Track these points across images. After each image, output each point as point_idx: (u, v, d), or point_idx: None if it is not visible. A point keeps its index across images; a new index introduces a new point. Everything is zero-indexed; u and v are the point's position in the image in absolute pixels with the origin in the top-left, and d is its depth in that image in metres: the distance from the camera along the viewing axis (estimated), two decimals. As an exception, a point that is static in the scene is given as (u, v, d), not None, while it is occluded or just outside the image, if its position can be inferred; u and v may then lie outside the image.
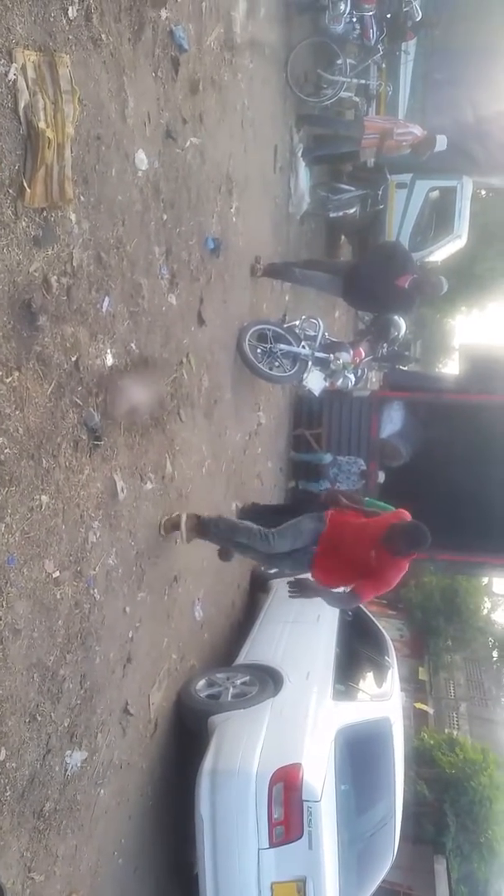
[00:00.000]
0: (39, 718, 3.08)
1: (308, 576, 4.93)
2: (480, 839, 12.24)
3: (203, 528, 4.73)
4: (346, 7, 8.05)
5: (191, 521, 4.65)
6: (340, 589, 4.88)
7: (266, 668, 5.20)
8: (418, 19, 9.21)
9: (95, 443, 3.46)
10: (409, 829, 11.09)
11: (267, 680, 4.99)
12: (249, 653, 5.58)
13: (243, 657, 5.53)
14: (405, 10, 9.05)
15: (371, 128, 8.17)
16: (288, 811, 4.03)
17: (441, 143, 8.15)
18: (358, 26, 8.57)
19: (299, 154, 8.32)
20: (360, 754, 4.77)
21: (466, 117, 10.31)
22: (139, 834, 4.15)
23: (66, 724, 3.31)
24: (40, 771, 3.10)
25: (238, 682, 5.02)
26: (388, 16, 9.03)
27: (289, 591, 4.80)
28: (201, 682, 4.97)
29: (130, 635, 4.03)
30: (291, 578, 5.19)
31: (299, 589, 4.84)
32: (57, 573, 3.16)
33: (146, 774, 4.29)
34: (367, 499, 5.17)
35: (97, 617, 3.58)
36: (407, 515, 4.67)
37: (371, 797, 4.99)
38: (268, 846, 4.03)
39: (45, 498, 3.04)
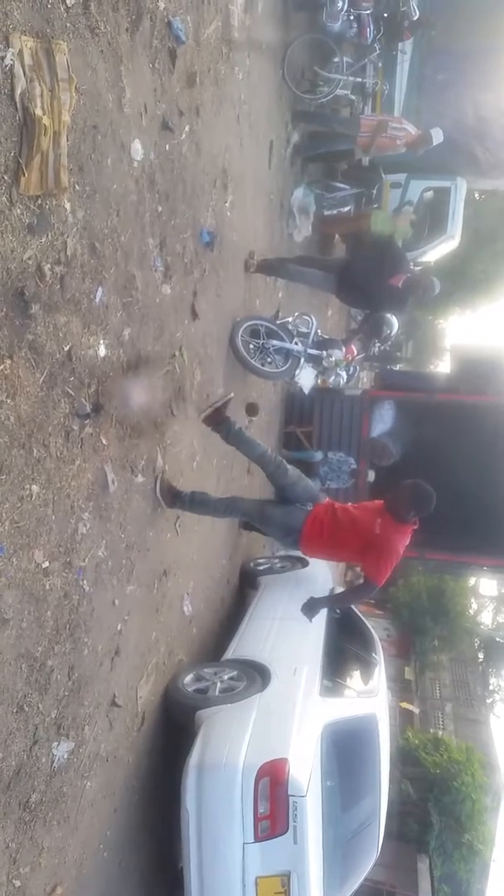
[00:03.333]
0: (27, 709, 3.06)
1: (298, 552, 4.97)
2: (463, 839, 12.33)
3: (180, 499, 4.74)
4: (344, 5, 8.05)
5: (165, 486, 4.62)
6: (332, 565, 4.94)
7: (254, 663, 5.19)
8: (415, 19, 9.22)
9: (87, 433, 3.45)
10: (394, 828, 11.17)
11: (255, 675, 4.99)
12: (238, 648, 5.57)
13: (231, 652, 5.52)
14: (402, 9, 9.05)
15: (367, 126, 8.18)
16: (274, 806, 4.03)
17: (437, 136, 8.16)
18: (355, 24, 8.58)
19: (300, 184, 8.42)
20: (346, 750, 4.77)
21: (464, 117, 10.34)
22: (125, 827, 4.15)
23: (53, 716, 3.30)
24: (27, 762, 3.09)
25: (226, 676, 5.01)
26: (386, 15, 9.03)
27: (303, 612, 4.89)
28: (189, 677, 4.96)
29: (119, 628, 4.02)
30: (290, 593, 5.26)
31: (310, 607, 4.99)
32: (46, 563, 3.14)
33: (133, 767, 4.28)
34: None
35: (86, 608, 3.56)
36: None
37: (356, 794, 5.00)
38: (253, 840, 4.02)
39: (35, 488, 3.02)
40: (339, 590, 6.76)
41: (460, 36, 10.51)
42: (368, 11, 8.53)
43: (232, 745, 4.21)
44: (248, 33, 6.02)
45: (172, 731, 4.72)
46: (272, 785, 4.04)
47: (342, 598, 5.03)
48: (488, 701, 22.78)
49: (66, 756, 3.42)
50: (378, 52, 9.24)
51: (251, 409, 5.43)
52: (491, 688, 23.82)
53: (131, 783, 4.26)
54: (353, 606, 6.95)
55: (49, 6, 2.84)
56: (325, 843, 4.25)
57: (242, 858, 4.02)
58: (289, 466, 5.04)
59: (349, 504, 5.01)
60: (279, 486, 5.00)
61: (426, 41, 10.31)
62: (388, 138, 8.13)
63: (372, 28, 8.77)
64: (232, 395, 5.08)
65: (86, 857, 3.68)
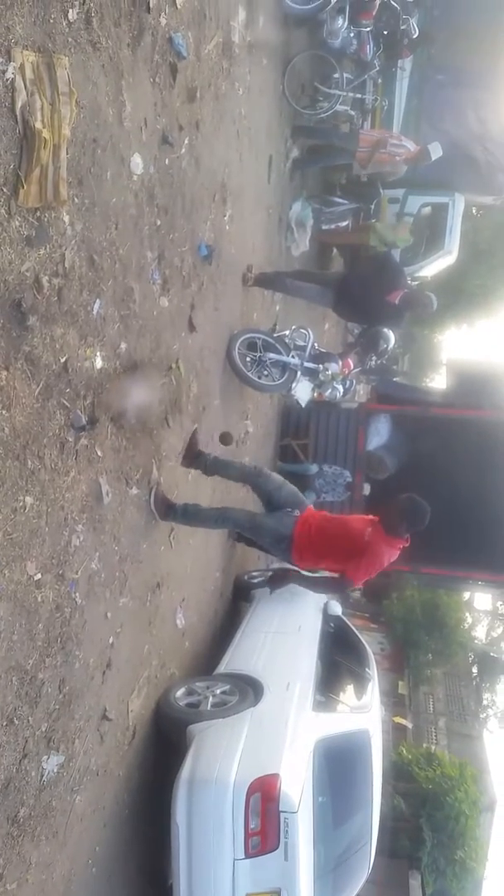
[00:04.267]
0: (17, 722, 3.04)
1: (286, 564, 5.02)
2: (455, 855, 12.21)
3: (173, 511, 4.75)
4: (344, 22, 8.12)
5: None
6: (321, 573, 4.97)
7: (247, 677, 5.17)
8: (415, 37, 9.31)
9: (82, 445, 3.44)
10: (386, 844, 11.07)
11: (247, 689, 4.96)
12: (230, 662, 5.55)
13: (224, 666, 5.50)
14: (402, 27, 9.15)
15: (366, 141, 8.24)
16: (264, 822, 4.00)
17: (435, 151, 8.24)
18: (355, 41, 8.65)
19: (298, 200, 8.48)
20: (338, 766, 4.75)
21: (463, 133, 10.42)
22: (114, 842, 4.11)
23: (43, 729, 3.28)
24: (16, 776, 3.07)
25: (218, 691, 4.98)
26: (385, 32, 9.13)
27: (268, 585, 4.90)
28: (181, 691, 4.94)
29: (111, 641, 3.99)
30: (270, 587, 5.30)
31: (277, 580, 5.01)
32: (39, 576, 3.13)
33: (123, 782, 4.24)
34: None
35: (78, 621, 3.55)
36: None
37: (348, 810, 4.97)
38: (243, 857, 3.99)
39: (29, 499, 3.01)
40: (335, 605, 6.73)
41: (459, 53, 10.63)
42: (368, 29, 8.61)
43: (223, 760, 4.19)
44: (249, 49, 6.07)
45: (164, 746, 4.69)
46: (263, 800, 4.01)
47: (316, 584, 5.03)
48: (482, 716, 22.69)
49: (55, 770, 3.39)
50: (378, 68, 9.33)
51: (225, 439, 5.57)
52: (484, 703, 23.74)
53: (121, 798, 4.22)
54: (346, 620, 6.94)
55: (51, 21, 2.86)
56: (316, 859, 4.22)
57: (233, 875, 3.99)
58: (270, 472, 5.17)
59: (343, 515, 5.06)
60: (265, 493, 5.04)
61: (426, 58, 10.41)
62: (387, 154, 8.19)
63: (372, 45, 8.86)
64: (196, 426, 5.20)
65: (74, 873, 3.64)
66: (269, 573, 5.16)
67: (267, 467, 7.50)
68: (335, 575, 4.81)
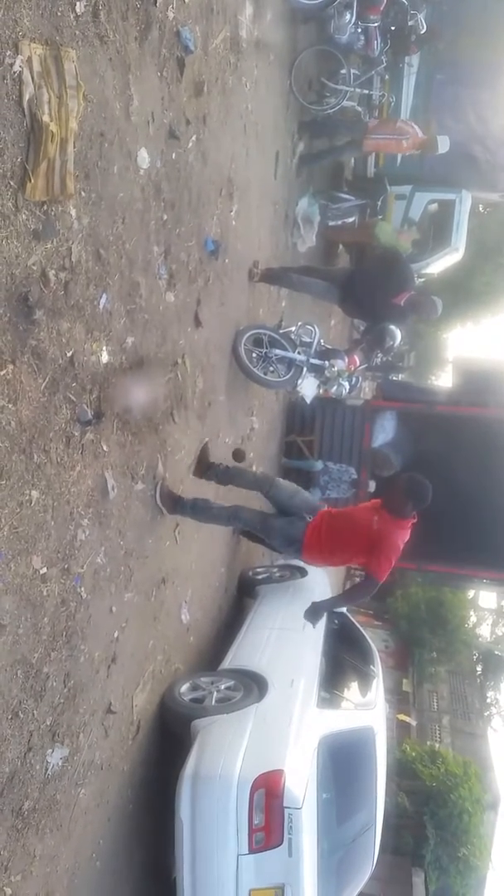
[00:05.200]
0: (22, 716, 3.05)
1: (297, 561, 5.04)
2: (459, 853, 12.22)
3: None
4: (352, 17, 8.08)
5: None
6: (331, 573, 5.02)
7: (251, 673, 5.17)
8: (422, 32, 9.27)
9: (88, 439, 3.44)
10: (389, 841, 11.07)
11: (251, 685, 4.96)
12: (235, 658, 5.55)
13: (228, 662, 5.50)
14: (409, 23, 9.10)
15: (373, 127, 8.30)
16: (269, 818, 4.00)
17: (444, 143, 8.23)
18: (362, 37, 8.62)
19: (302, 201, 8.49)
20: (342, 763, 4.75)
21: (471, 130, 10.38)
22: (118, 836, 4.12)
23: (48, 723, 3.28)
24: (21, 769, 3.07)
25: (222, 686, 4.98)
26: (393, 28, 9.09)
27: (305, 617, 4.92)
28: (185, 686, 4.94)
29: (116, 635, 4.00)
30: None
31: (313, 612, 5.01)
32: (44, 569, 3.13)
33: (127, 776, 4.25)
34: None
35: (83, 615, 3.55)
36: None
37: (352, 806, 4.97)
38: (247, 852, 3.99)
39: (35, 493, 3.02)
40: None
41: (467, 50, 10.57)
42: (376, 24, 8.57)
43: (227, 755, 4.19)
44: (256, 44, 6.05)
45: (168, 741, 4.70)
46: (267, 796, 4.01)
47: (345, 598, 5.07)
48: (486, 714, 22.66)
49: (60, 763, 3.40)
50: (385, 64, 9.29)
51: (238, 455, 5.62)
52: (488, 701, 23.71)
53: (125, 792, 4.23)
54: (351, 617, 6.94)
55: (59, 14, 2.86)
56: (319, 855, 4.22)
57: (236, 870, 3.99)
58: (283, 481, 5.20)
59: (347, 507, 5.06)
60: (278, 501, 5.10)
61: (433, 55, 10.35)
62: (394, 139, 8.21)
63: (379, 41, 8.82)
64: (206, 439, 5.27)
65: (78, 866, 3.65)
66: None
67: (274, 470, 7.56)
68: (357, 579, 4.83)
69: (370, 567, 4.67)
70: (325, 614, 6.37)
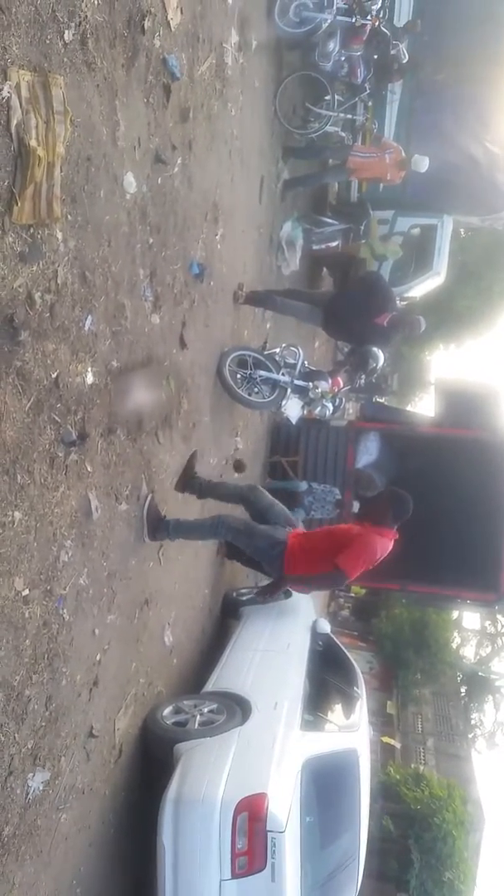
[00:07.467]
0: (2, 739, 3.01)
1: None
2: (444, 877, 12.13)
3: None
4: (336, 46, 8.25)
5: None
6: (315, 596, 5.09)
7: (234, 696, 5.14)
8: (405, 62, 9.45)
9: (72, 460, 3.44)
10: (373, 865, 10.99)
11: (235, 708, 4.94)
12: (218, 680, 5.52)
13: (212, 684, 5.47)
14: (392, 52, 9.28)
15: (358, 148, 8.46)
16: (251, 841, 3.97)
17: (422, 163, 8.37)
18: (346, 65, 8.79)
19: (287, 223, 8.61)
20: (326, 786, 4.72)
21: (451, 155, 10.57)
22: (99, 862, 4.06)
23: (29, 746, 3.25)
24: (1, 793, 3.03)
25: (206, 709, 4.95)
26: (376, 57, 9.26)
27: (257, 599, 4.96)
28: (168, 709, 4.90)
29: (98, 658, 3.97)
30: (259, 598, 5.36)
31: (265, 592, 5.16)
32: (26, 591, 3.11)
33: (109, 801, 4.20)
34: None
35: (65, 638, 3.53)
36: None
37: (336, 830, 4.93)
38: (230, 877, 3.95)
39: (17, 514, 3.01)
40: (323, 623, 6.73)
41: (448, 79, 10.77)
42: (359, 53, 8.74)
43: (210, 779, 4.15)
44: (242, 71, 6.15)
45: (150, 764, 4.65)
46: (250, 820, 3.98)
47: (309, 581, 5.04)
48: (470, 736, 22.61)
49: (41, 787, 3.36)
50: (368, 91, 9.46)
51: (239, 466, 5.70)
52: (473, 723, 23.67)
53: (107, 817, 4.18)
54: (335, 638, 6.93)
55: (47, 41, 2.90)
56: (303, 880, 4.18)
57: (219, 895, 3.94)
58: (262, 489, 5.31)
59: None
60: (259, 510, 5.16)
61: (415, 83, 10.55)
62: (377, 157, 8.37)
63: (363, 69, 8.99)
64: (196, 449, 5.32)
65: (58, 893, 3.59)
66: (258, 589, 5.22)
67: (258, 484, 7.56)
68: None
69: (339, 561, 4.64)
70: (310, 633, 6.39)
